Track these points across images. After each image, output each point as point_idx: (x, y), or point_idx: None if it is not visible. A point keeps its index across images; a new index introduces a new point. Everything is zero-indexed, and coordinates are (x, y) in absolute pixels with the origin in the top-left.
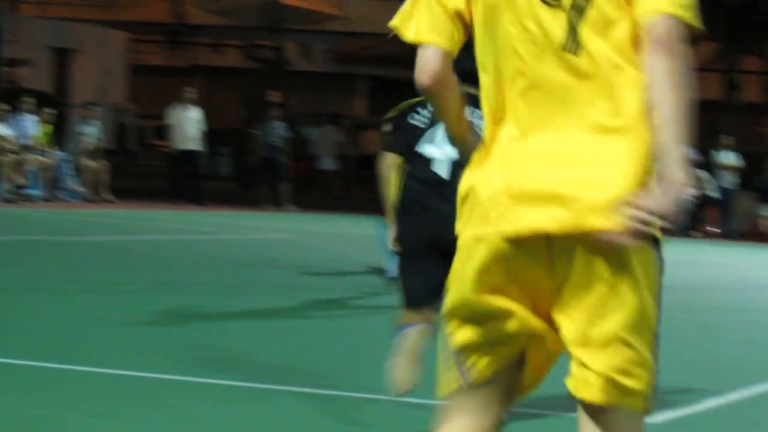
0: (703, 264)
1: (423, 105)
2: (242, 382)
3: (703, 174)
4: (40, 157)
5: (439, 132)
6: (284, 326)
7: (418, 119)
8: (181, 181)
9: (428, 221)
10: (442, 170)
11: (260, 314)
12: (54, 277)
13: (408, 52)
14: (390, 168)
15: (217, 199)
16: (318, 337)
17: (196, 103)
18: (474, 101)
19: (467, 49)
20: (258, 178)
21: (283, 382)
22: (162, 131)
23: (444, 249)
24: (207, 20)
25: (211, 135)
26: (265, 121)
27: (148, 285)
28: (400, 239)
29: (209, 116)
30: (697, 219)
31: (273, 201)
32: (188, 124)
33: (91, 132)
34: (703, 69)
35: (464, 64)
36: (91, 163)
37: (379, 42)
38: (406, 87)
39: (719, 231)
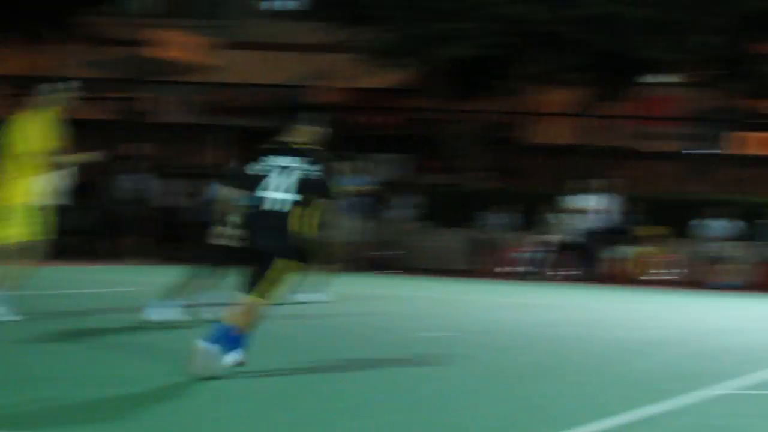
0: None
1: (265, 154)
2: None
3: (560, 217)
4: None
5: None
6: None
7: (257, 169)
8: None
9: (253, 235)
10: (266, 205)
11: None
12: None
13: (270, 102)
14: (227, 195)
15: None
16: None
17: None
18: None
19: None
20: (101, 230)
21: None
22: None
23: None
24: (75, 72)
25: (79, 188)
26: (117, 174)
27: None
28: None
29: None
30: (554, 263)
31: (115, 254)
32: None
33: None
34: (568, 114)
35: None
36: None
37: (245, 92)
38: (266, 135)
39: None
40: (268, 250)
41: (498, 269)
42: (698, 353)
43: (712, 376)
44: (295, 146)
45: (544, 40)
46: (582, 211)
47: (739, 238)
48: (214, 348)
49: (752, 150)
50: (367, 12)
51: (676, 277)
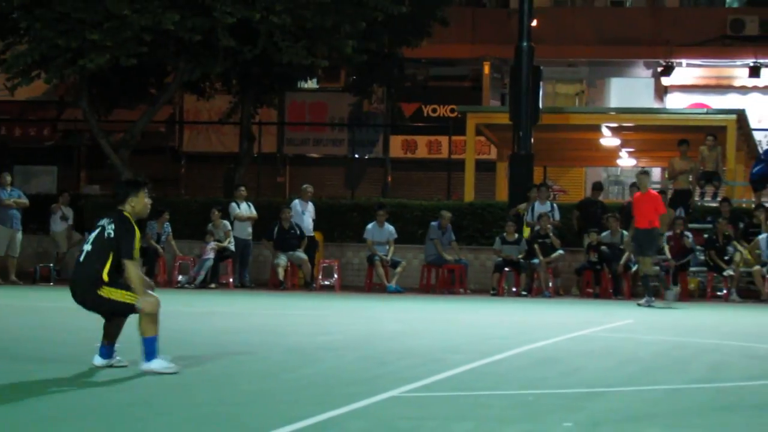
0: (220, 314)
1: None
2: None
3: (223, 225)
4: None
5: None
6: None
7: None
8: None
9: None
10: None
11: None
12: None
13: None
14: None
15: None
16: None
17: None
18: None
19: None
20: None
21: None
22: None
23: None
24: None
25: None
26: None
27: None
28: None
29: None
30: (216, 271)
31: None
32: None
33: None
34: (221, 122)
35: None
36: None
37: None
38: None
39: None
40: None
41: (166, 278)
42: (375, 357)
43: (387, 379)
44: None
45: (197, 49)
46: (247, 219)
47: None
48: None
49: (419, 153)
50: (10, 25)
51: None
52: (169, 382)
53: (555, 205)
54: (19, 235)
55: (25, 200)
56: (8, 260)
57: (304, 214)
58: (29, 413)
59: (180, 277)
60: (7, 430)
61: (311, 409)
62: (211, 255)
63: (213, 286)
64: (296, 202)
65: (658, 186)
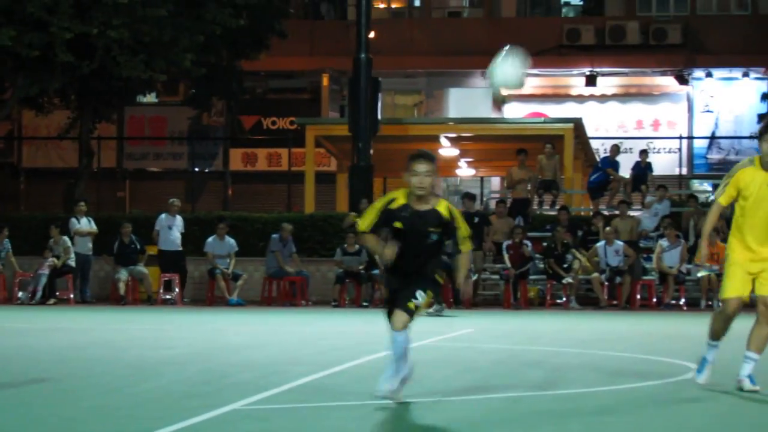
0: (62, 330)
1: None
2: None
3: (63, 240)
4: None
5: None
6: None
7: None
8: None
9: None
10: None
11: None
12: None
13: None
14: None
15: None
16: None
17: None
18: None
19: None
20: None
21: None
22: None
23: None
24: None
25: None
26: None
27: None
28: None
29: None
30: (53, 287)
31: None
32: None
33: None
34: (60, 137)
35: None
36: None
37: None
38: None
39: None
40: None
41: (6, 295)
42: (217, 369)
43: (229, 392)
44: None
45: (34, 64)
46: (87, 234)
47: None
48: None
49: (260, 165)
50: None
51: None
52: (9, 399)
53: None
54: None
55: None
56: None
57: (171, 229)
58: None
59: (20, 294)
60: None
61: (152, 424)
62: (46, 271)
63: (52, 302)
64: (163, 216)
65: (497, 195)
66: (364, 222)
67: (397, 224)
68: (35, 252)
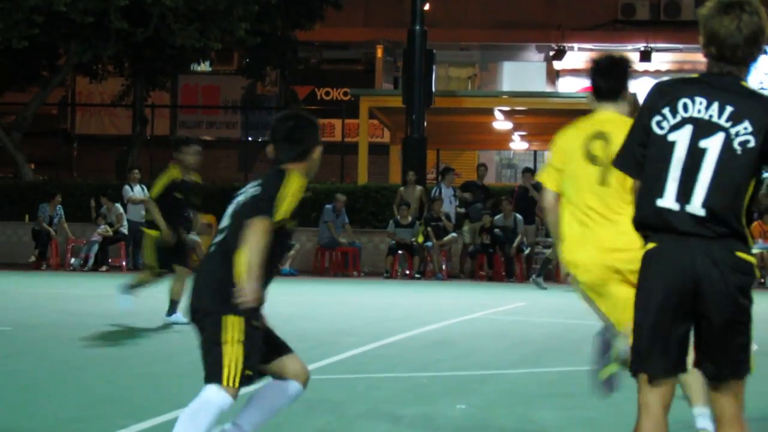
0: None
1: None
2: None
3: (117, 208)
4: None
5: None
6: None
7: None
8: None
9: None
10: None
11: None
12: None
13: None
14: None
15: None
16: None
17: None
18: None
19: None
20: None
21: None
22: None
23: None
24: None
25: None
26: None
27: None
28: None
29: None
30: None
31: None
32: None
33: None
34: (113, 104)
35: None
36: None
37: None
38: None
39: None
40: None
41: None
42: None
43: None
44: None
45: (89, 31)
46: (140, 201)
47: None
48: None
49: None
50: None
51: None
52: (62, 362)
53: (453, 189)
54: None
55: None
56: None
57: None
58: None
59: (72, 260)
60: None
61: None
62: (99, 238)
63: (104, 269)
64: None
65: None
66: None
67: None
68: (88, 219)
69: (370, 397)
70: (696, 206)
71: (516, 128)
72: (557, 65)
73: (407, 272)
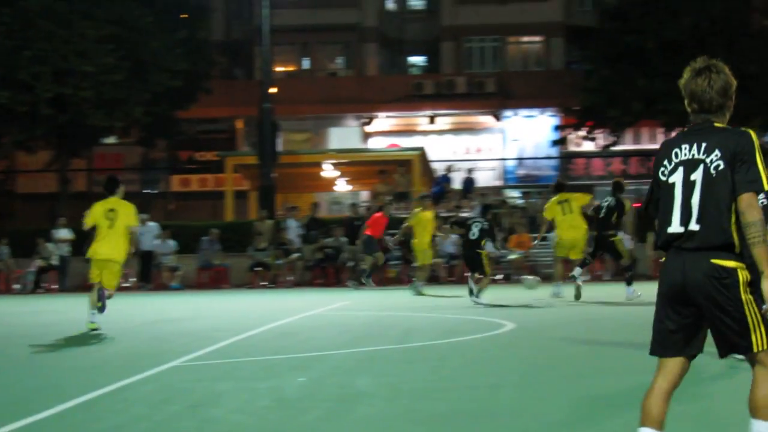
0: (47, 312)
1: None
2: None
3: (48, 246)
4: None
5: None
6: None
7: None
8: None
9: None
10: None
11: None
12: None
13: None
14: None
15: None
16: None
17: None
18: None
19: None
20: None
21: None
22: None
23: None
24: None
25: None
26: None
27: None
28: None
29: None
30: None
31: None
32: None
33: None
34: (44, 170)
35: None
36: None
37: None
38: None
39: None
40: None
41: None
42: (161, 337)
43: (170, 353)
44: None
45: (24, 117)
46: (64, 240)
47: (178, 252)
48: None
49: (193, 187)
50: None
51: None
52: (8, 363)
53: (296, 221)
54: None
55: None
56: None
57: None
58: None
59: (15, 286)
60: None
61: (113, 377)
62: (33, 268)
63: (40, 291)
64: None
65: (366, 204)
66: None
67: None
68: (27, 255)
69: (235, 376)
70: (693, 223)
71: (341, 175)
72: (368, 129)
73: (263, 283)
